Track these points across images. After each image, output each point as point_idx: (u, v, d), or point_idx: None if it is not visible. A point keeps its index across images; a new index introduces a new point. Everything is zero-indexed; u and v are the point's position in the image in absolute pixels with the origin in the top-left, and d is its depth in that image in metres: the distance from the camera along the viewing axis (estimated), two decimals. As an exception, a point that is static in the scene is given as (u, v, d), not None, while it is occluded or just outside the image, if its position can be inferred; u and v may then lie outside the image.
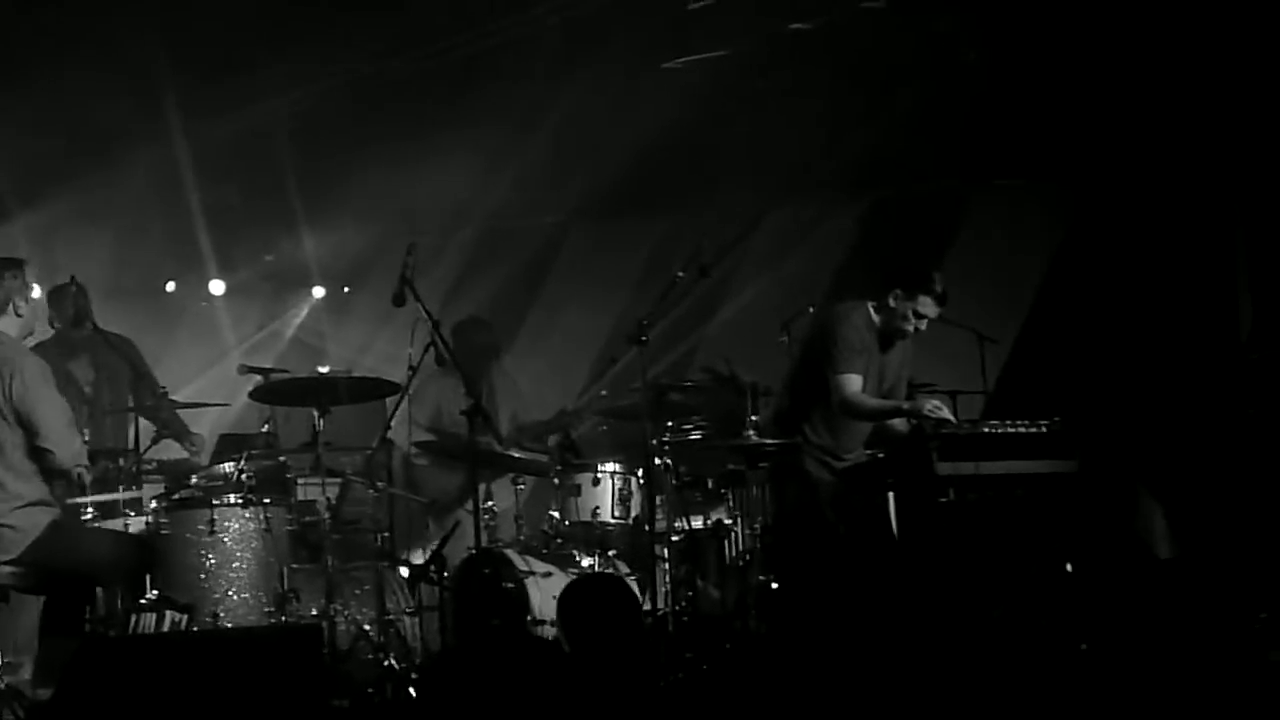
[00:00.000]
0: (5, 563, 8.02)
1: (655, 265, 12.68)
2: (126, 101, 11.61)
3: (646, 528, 9.12)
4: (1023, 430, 8.71)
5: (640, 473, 9.51)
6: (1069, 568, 8.51)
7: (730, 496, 9.71)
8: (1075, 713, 7.32)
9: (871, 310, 9.20)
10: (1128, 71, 11.00)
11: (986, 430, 8.73)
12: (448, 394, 10.46)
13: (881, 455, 9.23)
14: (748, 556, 9.27)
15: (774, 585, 8.86)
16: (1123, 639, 8.05)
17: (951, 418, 8.81)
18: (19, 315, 8.23)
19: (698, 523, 9.59)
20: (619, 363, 9.69)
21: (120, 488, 9.04)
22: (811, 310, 9.67)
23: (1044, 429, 8.72)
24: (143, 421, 9.74)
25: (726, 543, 9.54)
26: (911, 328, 9.14)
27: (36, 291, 8.37)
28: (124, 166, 12.14)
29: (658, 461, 9.40)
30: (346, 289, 14.80)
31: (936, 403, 8.87)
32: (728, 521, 9.57)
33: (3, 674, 8.13)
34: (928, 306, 9.07)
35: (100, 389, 10.03)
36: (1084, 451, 8.81)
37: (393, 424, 9.59)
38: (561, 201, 13.21)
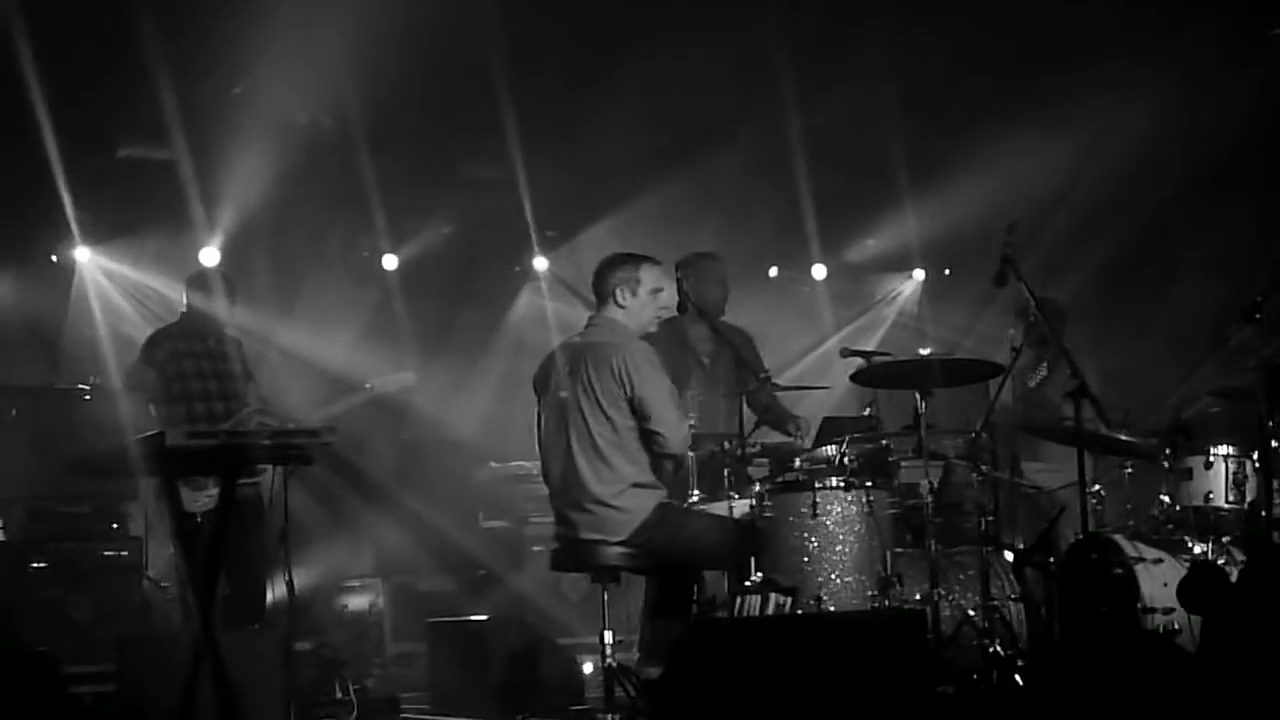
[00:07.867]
0: (615, 544, 8.27)
1: (1263, 240, 12.19)
2: (731, 87, 11.89)
3: (1263, 513, 8.72)
4: None
5: (1255, 456, 9.08)
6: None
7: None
8: None
9: None
10: None
11: None
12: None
13: None
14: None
15: None
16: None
17: None
18: (620, 306, 8.48)
19: (1321, 507, 9.07)
20: (1233, 340, 9.23)
21: (726, 472, 9.14)
22: None
23: None
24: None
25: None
26: None
27: (649, 287, 8.56)
28: (729, 153, 12.42)
29: (1275, 444, 8.94)
30: (947, 271, 14.76)
31: None
32: (1354, 506, 9.02)
33: (614, 652, 8.38)
34: None
35: (714, 373, 10.13)
36: None
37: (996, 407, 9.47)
38: (1161, 179, 12.79)
